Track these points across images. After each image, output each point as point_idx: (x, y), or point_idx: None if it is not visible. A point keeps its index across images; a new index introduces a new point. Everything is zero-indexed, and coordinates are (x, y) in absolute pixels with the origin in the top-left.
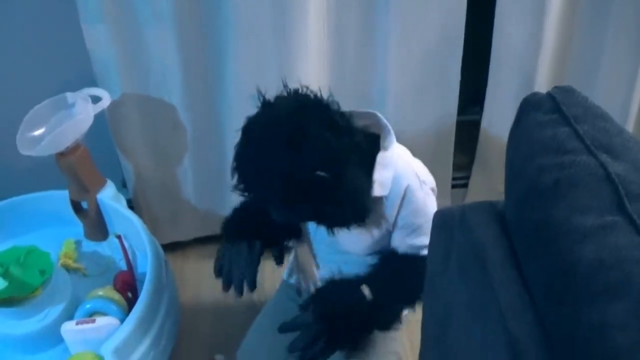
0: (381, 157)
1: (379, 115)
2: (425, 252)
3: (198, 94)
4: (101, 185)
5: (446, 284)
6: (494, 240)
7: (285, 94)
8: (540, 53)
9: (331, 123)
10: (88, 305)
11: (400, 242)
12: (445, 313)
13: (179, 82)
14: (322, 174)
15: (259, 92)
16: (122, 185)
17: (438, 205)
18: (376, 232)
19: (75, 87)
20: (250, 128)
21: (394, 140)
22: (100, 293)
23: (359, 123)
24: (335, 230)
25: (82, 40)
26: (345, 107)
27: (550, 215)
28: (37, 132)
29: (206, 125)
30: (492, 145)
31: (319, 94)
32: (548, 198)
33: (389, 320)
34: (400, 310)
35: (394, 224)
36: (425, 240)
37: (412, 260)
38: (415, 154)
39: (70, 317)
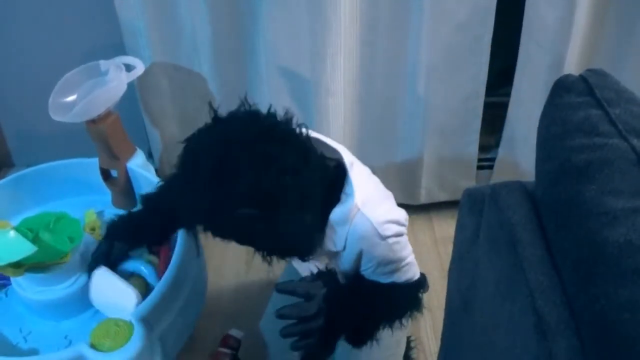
0: (334, 213)
1: (343, 156)
2: (406, 279)
3: (228, 64)
4: (131, 153)
5: (473, 263)
6: (524, 220)
7: (242, 110)
8: (572, 35)
9: (276, 157)
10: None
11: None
12: (471, 291)
13: (209, 52)
14: (249, 211)
15: (211, 106)
16: (148, 156)
17: (463, 186)
18: (332, 264)
19: (106, 56)
20: (187, 149)
21: (353, 191)
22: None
23: (327, 154)
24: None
25: (114, 8)
26: (376, 82)
27: (581, 195)
28: (69, 99)
29: (236, 97)
30: (519, 127)
31: (280, 119)
32: (579, 179)
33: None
34: (374, 328)
35: (359, 271)
36: (403, 276)
37: (389, 288)
38: (443, 132)
39: None
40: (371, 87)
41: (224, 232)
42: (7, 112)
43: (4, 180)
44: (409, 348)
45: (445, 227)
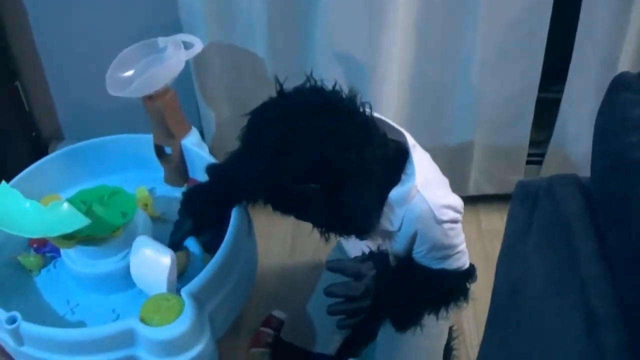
0: (394, 192)
1: (407, 138)
2: (457, 267)
3: (284, 48)
4: (186, 131)
5: (523, 255)
6: (579, 213)
7: (308, 86)
8: (627, 32)
9: (341, 132)
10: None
11: (427, 265)
12: (520, 282)
13: (265, 35)
14: (312, 186)
15: (277, 80)
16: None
17: (511, 180)
18: (385, 246)
19: (162, 34)
20: (251, 121)
21: (414, 172)
22: None
23: (389, 135)
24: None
25: None
26: (429, 73)
27: (636, 191)
28: (126, 74)
29: (290, 80)
30: (571, 123)
31: (345, 95)
32: (634, 175)
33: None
34: (420, 313)
35: (411, 253)
36: (454, 263)
37: (438, 274)
38: (494, 125)
39: None
40: (424, 77)
41: (284, 206)
42: (60, 86)
43: (56, 153)
44: (450, 338)
45: (492, 221)
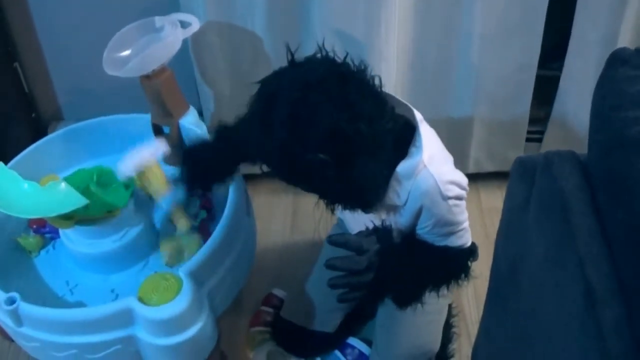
0: (402, 166)
1: (415, 112)
2: (460, 244)
3: (282, 25)
4: (185, 110)
5: (522, 230)
6: (576, 189)
7: (319, 56)
8: (625, 10)
9: (353, 103)
10: None
11: (430, 241)
12: (519, 258)
13: (264, 12)
14: (322, 156)
15: (288, 49)
16: (198, 114)
17: (511, 157)
18: (389, 220)
19: (160, 13)
20: (262, 90)
21: (422, 146)
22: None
23: (397, 110)
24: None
25: None
26: (428, 49)
27: (633, 167)
28: (123, 54)
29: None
30: (570, 101)
31: (356, 67)
32: (632, 151)
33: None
34: (422, 290)
35: (415, 229)
36: (457, 241)
37: (441, 251)
38: (494, 102)
39: (147, 239)
40: (423, 54)
41: (293, 177)
42: (59, 67)
43: (55, 133)
44: (450, 315)
45: (492, 198)
